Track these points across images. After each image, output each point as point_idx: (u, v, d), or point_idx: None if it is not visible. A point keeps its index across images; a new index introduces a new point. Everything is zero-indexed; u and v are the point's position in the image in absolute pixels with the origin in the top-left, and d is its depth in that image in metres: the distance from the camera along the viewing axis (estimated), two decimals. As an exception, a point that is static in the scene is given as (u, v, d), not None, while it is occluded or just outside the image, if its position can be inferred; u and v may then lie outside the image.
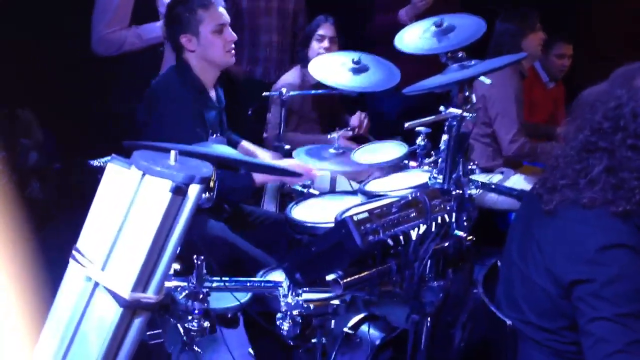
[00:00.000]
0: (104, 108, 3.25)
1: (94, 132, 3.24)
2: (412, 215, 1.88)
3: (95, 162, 1.78)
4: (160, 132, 2.64)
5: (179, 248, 1.39)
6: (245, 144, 3.21)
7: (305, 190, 2.94)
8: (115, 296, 1.36)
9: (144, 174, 1.37)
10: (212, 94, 2.90)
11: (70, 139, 3.54)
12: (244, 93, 4.06)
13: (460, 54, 2.25)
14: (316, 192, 2.93)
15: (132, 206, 1.37)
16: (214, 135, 2.57)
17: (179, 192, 1.33)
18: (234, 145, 3.15)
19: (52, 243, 3.32)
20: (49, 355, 1.44)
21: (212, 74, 2.83)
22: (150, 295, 1.40)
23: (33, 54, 3.65)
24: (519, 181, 3.60)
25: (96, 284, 1.40)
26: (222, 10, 2.80)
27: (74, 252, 1.41)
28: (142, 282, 1.38)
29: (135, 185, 1.37)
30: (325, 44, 3.71)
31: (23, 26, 3.62)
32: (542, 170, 2.06)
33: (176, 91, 2.73)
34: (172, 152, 1.41)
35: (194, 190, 1.36)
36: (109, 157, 1.67)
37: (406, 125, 2.09)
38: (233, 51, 2.82)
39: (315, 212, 2.60)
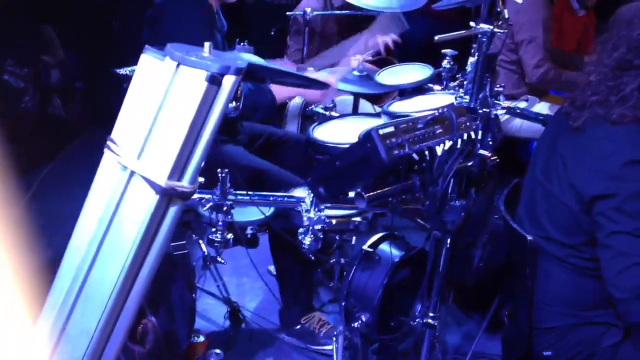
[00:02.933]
0: (126, 25, 3.20)
1: (116, 50, 3.21)
2: (438, 131, 1.87)
3: (122, 71, 1.76)
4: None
5: (212, 141, 1.39)
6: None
7: (327, 113, 2.92)
8: (152, 184, 1.38)
9: (178, 65, 1.37)
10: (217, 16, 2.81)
11: (92, 57, 3.52)
12: (266, 15, 3.99)
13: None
14: (338, 115, 2.91)
15: (167, 96, 1.37)
16: (242, 44, 2.51)
17: (215, 81, 1.33)
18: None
19: (77, 159, 3.36)
20: (85, 242, 1.47)
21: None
22: (185, 184, 1.42)
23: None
24: (543, 109, 3.55)
25: (132, 173, 1.42)
26: None
27: (108, 142, 1.42)
28: (178, 170, 1.39)
29: (169, 75, 1.37)
30: None
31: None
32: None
33: (184, 7, 2.63)
34: (206, 44, 1.40)
35: (229, 80, 1.35)
36: (135, 66, 1.66)
37: (436, 38, 2.05)
38: None
39: (337, 133, 2.59)
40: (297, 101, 3.39)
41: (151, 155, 1.39)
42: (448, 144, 1.88)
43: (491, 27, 2.06)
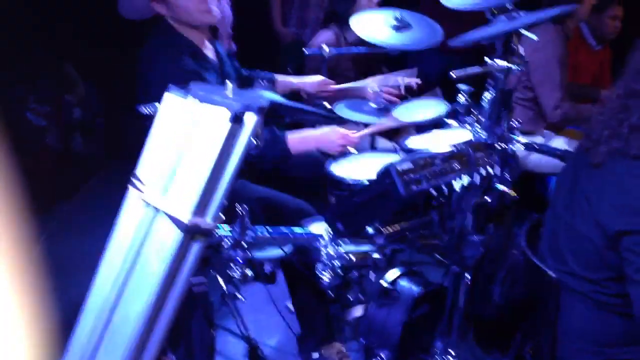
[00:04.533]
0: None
1: (135, 88, 3.25)
2: (455, 167, 1.88)
3: (145, 109, 1.79)
4: (152, 97, 2.46)
5: (234, 178, 1.41)
6: (280, 77, 3.13)
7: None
8: (176, 221, 1.40)
9: (202, 103, 1.39)
10: (209, 53, 2.71)
11: (113, 94, 3.58)
12: (288, 53, 4.05)
13: (508, 5, 2.20)
14: (355, 151, 2.92)
15: (191, 134, 1.40)
16: (262, 82, 2.51)
17: (238, 120, 1.35)
18: (271, 81, 3.09)
19: (98, 193, 3.41)
20: (111, 279, 1.49)
21: (198, 32, 2.62)
22: (208, 220, 1.44)
23: (76, 10, 3.69)
24: (560, 143, 3.56)
25: (156, 210, 1.44)
26: None
27: (132, 179, 1.44)
28: (201, 207, 1.41)
29: (193, 114, 1.40)
30: None
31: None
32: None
33: (165, 60, 2.50)
34: (229, 84, 1.43)
35: (251, 119, 1.38)
36: (157, 104, 1.69)
37: (453, 73, 2.07)
38: (210, 7, 2.55)
39: (354, 169, 2.61)
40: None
41: (175, 192, 1.41)
42: (466, 179, 1.88)
43: (507, 63, 2.08)
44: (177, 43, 2.57)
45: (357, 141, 2.73)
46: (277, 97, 1.72)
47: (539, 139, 3.60)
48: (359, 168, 2.62)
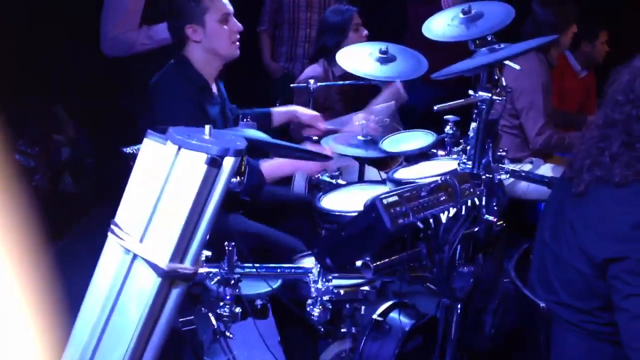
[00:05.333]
0: (133, 102, 3.27)
1: (124, 127, 3.27)
2: (442, 198, 1.88)
3: (128, 150, 1.80)
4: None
5: (213, 222, 1.41)
6: (275, 109, 3.18)
7: (333, 181, 2.94)
8: (154, 267, 1.39)
9: (179, 148, 1.40)
10: (214, 88, 2.84)
11: (102, 134, 3.59)
12: (277, 88, 4.08)
13: (489, 38, 2.23)
14: (344, 183, 2.93)
15: (168, 179, 1.40)
16: (244, 120, 2.55)
17: (214, 164, 1.36)
18: (267, 116, 3.13)
19: (87, 234, 3.39)
20: (89, 326, 1.47)
21: (215, 66, 2.77)
22: (187, 265, 1.43)
23: (64, 52, 3.72)
24: (548, 171, 3.57)
25: (135, 256, 1.43)
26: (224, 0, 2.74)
27: (112, 226, 1.44)
28: (179, 253, 1.41)
29: (171, 159, 1.40)
30: (364, 33, 3.71)
31: (53, 26, 3.69)
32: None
33: (173, 89, 2.65)
34: (207, 127, 1.43)
35: (228, 162, 1.38)
36: (141, 145, 1.70)
37: (436, 108, 2.08)
38: (238, 43, 2.75)
39: (344, 201, 2.61)
40: (302, 170, 3.42)
41: (153, 238, 1.41)
42: (453, 211, 1.88)
43: (490, 94, 2.09)
44: (190, 76, 2.69)
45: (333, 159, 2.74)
46: (260, 135, 1.73)
47: (527, 167, 3.62)
48: (348, 200, 2.62)
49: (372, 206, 1.77)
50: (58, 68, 3.72)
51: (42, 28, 3.70)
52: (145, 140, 1.47)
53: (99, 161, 3.85)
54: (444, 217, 1.87)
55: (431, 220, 1.83)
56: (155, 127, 1.57)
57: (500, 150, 2.44)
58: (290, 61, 4.39)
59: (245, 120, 2.47)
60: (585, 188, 1.76)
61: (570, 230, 1.79)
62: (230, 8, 2.75)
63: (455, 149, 2.78)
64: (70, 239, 3.50)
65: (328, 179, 2.96)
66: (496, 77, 2.12)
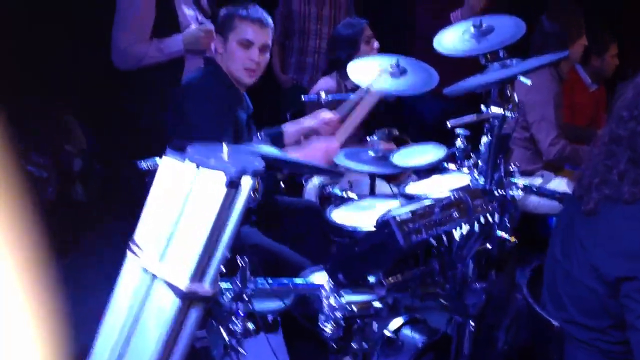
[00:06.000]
0: (145, 113, 3.28)
1: (136, 137, 3.28)
2: (454, 215, 1.88)
3: (144, 164, 1.81)
4: (190, 130, 2.60)
5: (231, 242, 1.41)
6: (286, 126, 3.18)
7: (344, 194, 2.95)
8: (173, 288, 1.39)
9: (198, 167, 1.40)
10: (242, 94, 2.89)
11: (113, 144, 3.61)
12: (287, 99, 4.09)
13: (500, 53, 2.23)
14: (355, 196, 2.93)
15: (187, 199, 1.40)
16: (259, 136, 2.56)
17: (233, 184, 1.36)
18: (278, 135, 3.14)
19: (100, 243, 3.40)
20: (110, 345, 1.47)
21: (237, 82, 2.82)
22: (206, 286, 1.43)
23: (75, 62, 3.74)
24: (559, 184, 3.56)
25: (154, 276, 1.43)
26: (258, 29, 2.76)
27: (130, 244, 1.44)
28: (199, 273, 1.41)
29: (190, 178, 1.41)
30: (375, 45, 3.72)
31: (65, 35, 3.71)
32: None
33: (208, 88, 2.72)
34: (225, 146, 1.44)
35: (247, 182, 1.39)
36: (157, 158, 1.71)
37: (449, 123, 2.08)
38: (253, 72, 2.79)
39: (355, 215, 2.61)
40: (314, 182, 3.43)
41: (172, 258, 1.41)
42: (465, 227, 1.88)
43: (502, 110, 2.09)
44: (220, 77, 2.77)
45: (337, 149, 2.78)
46: (275, 152, 1.74)
47: (538, 180, 3.61)
48: (359, 214, 2.62)
49: (385, 223, 1.78)
50: (69, 77, 3.74)
51: (52, 38, 3.72)
52: (164, 159, 1.48)
53: (109, 171, 3.86)
54: (456, 234, 1.87)
55: (444, 237, 1.83)
56: (175, 142, 1.57)
57: (512, 165, 2.45)
58: (299, 72, 4.40)
59: (259, 135, 2.48)
60: (595, 206, 1.76)
61: (581, 248, 1.79)
62: (257, 38, 2.75)
63: (466, 162, 2.79)
64: (82, 249, 3.50)
65: (339, 192, 2.97)
66: (508, 93, 2.11)
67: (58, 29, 3.73)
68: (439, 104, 4.02)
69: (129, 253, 1.46)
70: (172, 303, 1.41)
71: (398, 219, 1.76)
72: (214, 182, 1.37)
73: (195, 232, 1.38)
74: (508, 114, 2.11)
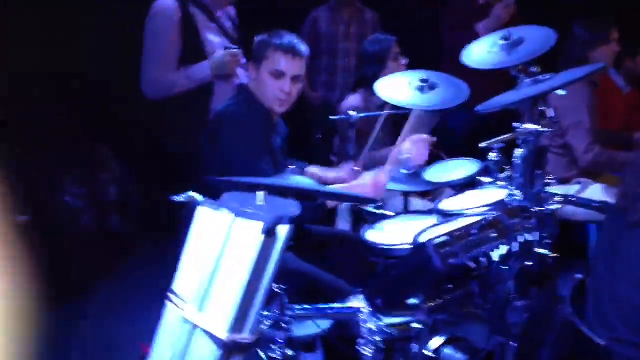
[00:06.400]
0: (178, 140, 3.31)
1: (170, 165, 3.31)
2: (492, 235, 1.85)
3: (178, 198, 1.83)
4: (227, 159, 2.61)
5: (270, 289, 1.41)
6: (311, 169, 3.20)
7: (378, 211, 2.92)
8: (213, 338, 1.39)
9: (235, 217, 1.40)
10: (276, 119, 2.90)
11: (148, 173, 3.64)
12: (317, 117, 4.10)
13: (533, 69, 2.20)
14: (390, 213, 2.91)
15: (225, 248, 1.40)
16: (292, 166, 2.55)
17: (270, 233, 1.36)
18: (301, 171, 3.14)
19: (135, 275, 3.44)
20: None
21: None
22: (246, 335, 1.43)
23: (106, 91, 3.80)
24: (597, 191, 3.49)
25: (194, 326, 1.44)
26: (291, 60, 2.74)
27: (169, 294, 1.45)
28: (238, 322, 1.41)
29: (227, 227, 1.41)
30: (403, 62, 3.70)
31: (99, 66, 3.78)
32: (620, 180, 1.99)
33: (243, 115, 2.72)
34: (260, 193, 1.43)
35: (283, 230, 1.38)
36: (190, 193, 1.72)
37: (482, 145, 2.06)
38: (284, 102, 2.77)
39: (390, 234, 2.59)
40: (347, 201, 3.41)
41: (212, 308, 1.42)
42: (504, 249, 1.85)
43: (536, 126, 2.06)
44: (253, 104, 2.77)
45: (386, 182, 2.73)
46: (309, 183, 1.73)
47: (575, 187, 3.54)
48: (394, 232, 2.60)
49: (422, 247, 1.76)
50: (101, 107, 3.81)
51: (83, 67, 3.80)
52: (200, 208, 1.49)
53: (145, 200, 3.90)
54: (495, 255, 1.84)
55: (483, 259, 1.80)
56: (210, 176, 1.57)
57: (549, 177, 2.40)
58: (329, 90, 4.41)
59: (292, 166, 2.48)
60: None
61: (627, 264, 1.75)
62: (290, 70, 2.74)
63: (501, 175, 2.75)
64: (118, 278, 3.55)
65: (373, 210, 2.95)
66: (541, 108, 2.08)
67: (89, 59, 3.81)
68: (471, 116, 3.98)
69: (168, 303, 1.47)
70: (213, 353, 1.41)
71: (435, 242, 1.74)
72: (251, 231, 1.37)
73: (233, 281, 1.38)
74: (542, 129, 2.07)
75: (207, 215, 1.46)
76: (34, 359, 1.49)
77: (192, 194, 1.77)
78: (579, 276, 2.18)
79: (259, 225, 1.36)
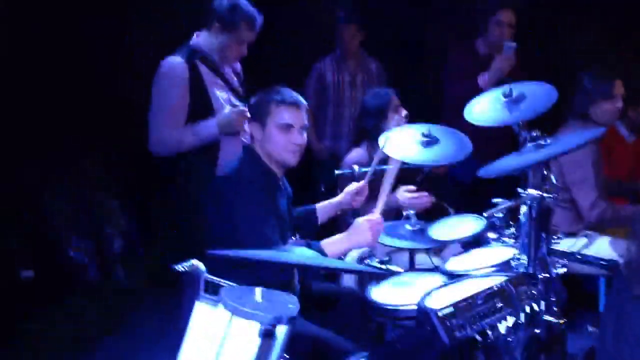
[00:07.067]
0: (184, 197, 3.31)
1: (176, 222, 3.31)
2: (498, 305, 1.84)
3: (179, 267, 1.82)
4: (231, 223, 2.60)
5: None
6: (319, 205, 3.17)
7: (384, 267, 2.90)
8: None
9: (232, 315, 1.39)
10: (281, 181, 2.87)
11: (153, 228, 3.65)
12: (323, 170, 4.10)
13: (534, 133, 2.20)
14: (394, 269, 2.88)
15: (222, 347, 1.39)
16: (293, 238, 2.53)
17: (268, 334, 1.34)
18: (314, 220, 3.13)
19: (139, 331, 3.41)
20: None
21: (277, 167, 2.80)
22: None
23: (113, 147, 3.84)
24: (604, 245, 3.46)
25: None
26: (296, 111, 2.75)
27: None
28: None
29: (224, 325, 1.39)
30: (403, 112, 3.71)
31: (103, 122, 3.82)
32: (628, 232, 1.96)
33: (247, 178, 2.70)
34: (258, 290, 1.42)
35: (282, 330, 1.37)
36: (190, 263, 1.72)
37: (486, 214, 2.05)
38: (296, 153, 2.77)
39: (395, 294, 2.56)
40: (352, 255, 3.39)
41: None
42: (511, 320, 1.83)
43: (540, 192, 2.05)
44: (258, 166, 2.75)
45: (382, 222, 2.70)
46: (310, 254, 1.72)
47: (582, 240, 3.51)
48: (400, 292, 2.57)
49: (426, 317, 1.74)
50: (109, 163, 3.83)
51: (89, 122, 3.84)
52: (198, 304, 1.48)
53: (150, 252, 3.89)
54: (502, 327, 1.82)
55: (489, 332, 1.78)
56: (214, 248, 1.56)
57: (554, 237, 2.37)
58: (335, 140, 4.42)
59: (294, 237, 2.46)
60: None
61: (633, 338, 1.72)
62: (297, 121, 2.75)
63: (506, 232, 2.73)
64: (124, 331, 3.52)
65: (378, 265, 2.92)
66: (545, 173, 2.08)
67: (96, 114, 3.85)
68: (475, 164, 3.98)
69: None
70: None
71: (440, 314, 1.72)
72: (248, 331, 1.36)
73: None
74: (546, 194, 2.06)
75: (205, 311, 1.45)
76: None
77: (194, 262, 1.76)
78: (591, 329, 2.15)
79: (257, 326, 1.34)
